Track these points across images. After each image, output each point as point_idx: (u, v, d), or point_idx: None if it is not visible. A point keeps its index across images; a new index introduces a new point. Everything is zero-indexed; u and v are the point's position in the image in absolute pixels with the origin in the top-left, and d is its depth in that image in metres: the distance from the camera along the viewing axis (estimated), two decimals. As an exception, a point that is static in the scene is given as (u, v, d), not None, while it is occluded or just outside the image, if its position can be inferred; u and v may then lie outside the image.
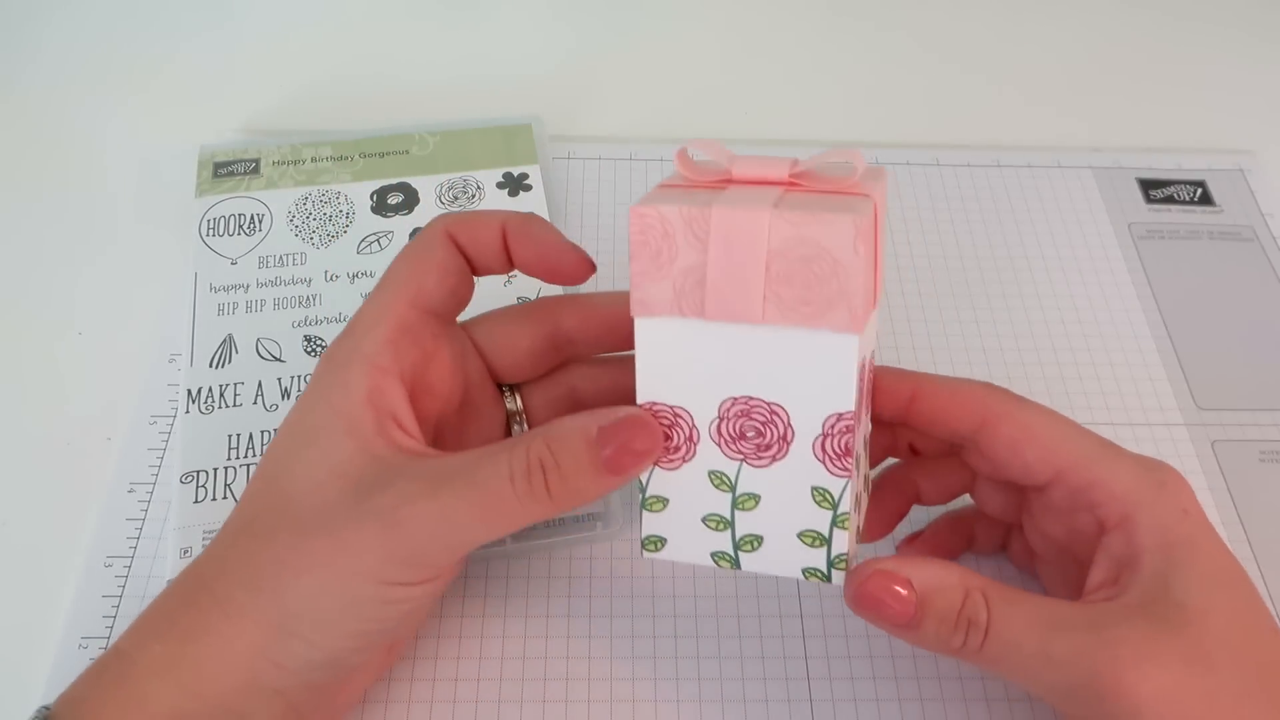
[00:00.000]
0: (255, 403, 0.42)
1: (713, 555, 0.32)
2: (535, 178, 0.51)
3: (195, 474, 0.40)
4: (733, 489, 0.31)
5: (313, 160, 0.51)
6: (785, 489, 0.30)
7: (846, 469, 0.29)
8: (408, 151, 0.52)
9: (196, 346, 0.43)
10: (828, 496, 0.30)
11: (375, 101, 0.57)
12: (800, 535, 0.30)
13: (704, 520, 0.31)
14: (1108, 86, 0.60)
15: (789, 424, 0.29)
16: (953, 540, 0.38)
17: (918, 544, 0.38)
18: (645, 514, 0.32)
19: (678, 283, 0.28)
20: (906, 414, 0.33)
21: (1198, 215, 0.53)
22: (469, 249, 0.33)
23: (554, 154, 0.54)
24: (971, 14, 0.64)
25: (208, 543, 0.31)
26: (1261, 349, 0.47)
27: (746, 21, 0.63)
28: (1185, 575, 0.29)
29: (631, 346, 0.30)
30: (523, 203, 0.50)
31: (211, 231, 0.48)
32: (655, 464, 0.31)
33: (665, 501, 0.31)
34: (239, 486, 0.39)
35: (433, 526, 0.29)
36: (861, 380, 0.30)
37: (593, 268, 0.33)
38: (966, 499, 0.37)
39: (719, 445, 0.30)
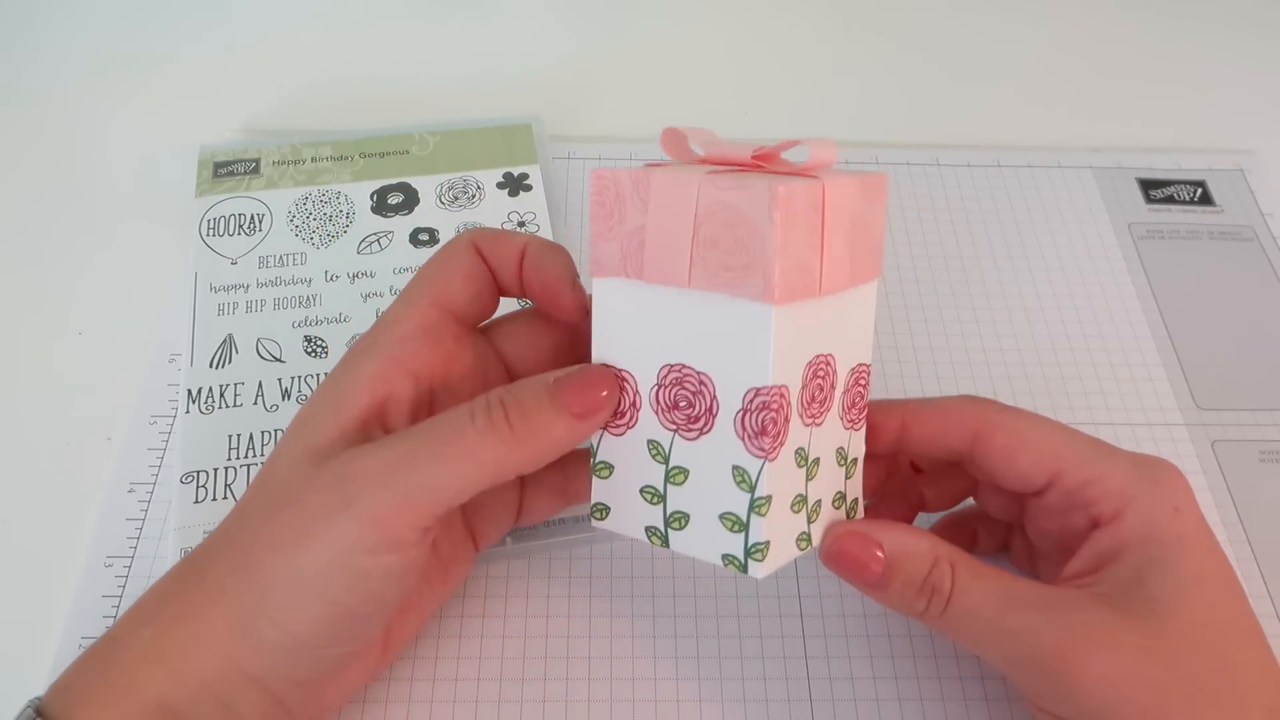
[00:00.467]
0: (255, 403, 0.42)
1: (646, 530, 0.31)
2: (535, 178, 0.51)
3: (195, 474, 0.40)
4: (666, 461, 0.30)
5: (313, 160, 0.51)
6: (710, 465, 0.30)
7: (763, 449, 0.28)
8: (408, 151, 0.52)
9: (196, 346, 0.43)
10: (746, 477, 0.29)
11: (375, 101, 0.57)
12: (722, 517, 0.30)
13: (641, 492, 0.31)
14: (1108, 86, 0.60)
15: (714, 396, 0.29)
16: (955, 541, 0.38)
17: None
18: (595, 480, 0.32)
19: (624, 244, 0.29)
20: (900, 444, 0.34)
21: (1198, 215, 0.53)
22: (491, 261, 0.34)
23: (554, 154, 0.54)
24: (972, 14, 0.64)
25: (208, 543, 0.32)
26: (1261, 349, 0.47)
27: (746, 21, 0.63)
28: (1164, 571, 0.30)
29: None
30: (522, 203, 0.50)
31: (211, 231, 0.48)
32: (605, 427, 0.31)
33: (611, 469, 0.32)
34: (239, 487, 0.39)
35: (388, 475, 0.28)
36: (820, 375, 0.30)
37: (586, 313, 0.33)
38: (968, 500, 0.38)
39: (656, 414, 0.30)
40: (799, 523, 0.30)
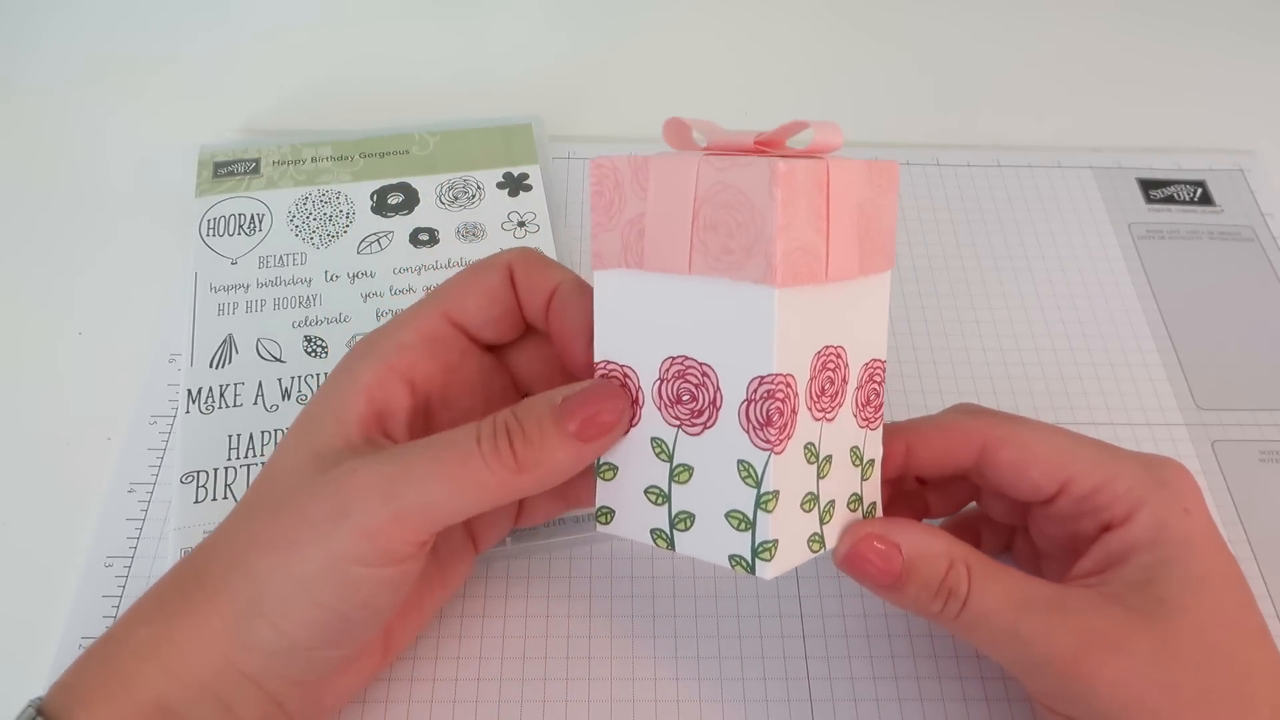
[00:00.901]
0: (255, 403, 0.42)
1: (651, 532, 0.30)
2: (535, 178, 0.51)
3: (195, 474, 0.40)
4: (670, 458, 0.29)
5: (313, 160, 0.51)
6: (715, 461, 0.28)
7: (768, 441, 0.27)
8: (408, 151, 0.52)
9: (196, 346, 0.43)
10: (752, 472, 0.28)
11: (375, 101, 0.57)
12: (728, 515, 0.28)
13: (646, 492, 0.30)
14: (1108, 87, 0.60)
15: (718, 387, 0.28)
16: None
17: None
18: (599, 483, 0.31)
19: (624, 233, 0.29)
20: (907, 468, 0.33)
21: (1198, 215, 0.53)
22: (521, 290, 0.33)
23: (554, 154, 0.54)
24: (972, 14, 0.64)
25: (208, 543, 0.32)
26: (1261, 349, 0.47)
27: (746, 21, 0.63)
28: (1173, 572, 0.30)
29: None
30: (522, 203, 0.50)
31: (211, 231, 0.48)
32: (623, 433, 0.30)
33: (615, 470, 0.30)
34: (239, 487, 0.39)
35: (388, 489, 0.28)
36: (830, 367, 0.29)
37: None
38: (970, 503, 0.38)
39: (659, 409, 0.29)
40: (810, 523, 0.29)
